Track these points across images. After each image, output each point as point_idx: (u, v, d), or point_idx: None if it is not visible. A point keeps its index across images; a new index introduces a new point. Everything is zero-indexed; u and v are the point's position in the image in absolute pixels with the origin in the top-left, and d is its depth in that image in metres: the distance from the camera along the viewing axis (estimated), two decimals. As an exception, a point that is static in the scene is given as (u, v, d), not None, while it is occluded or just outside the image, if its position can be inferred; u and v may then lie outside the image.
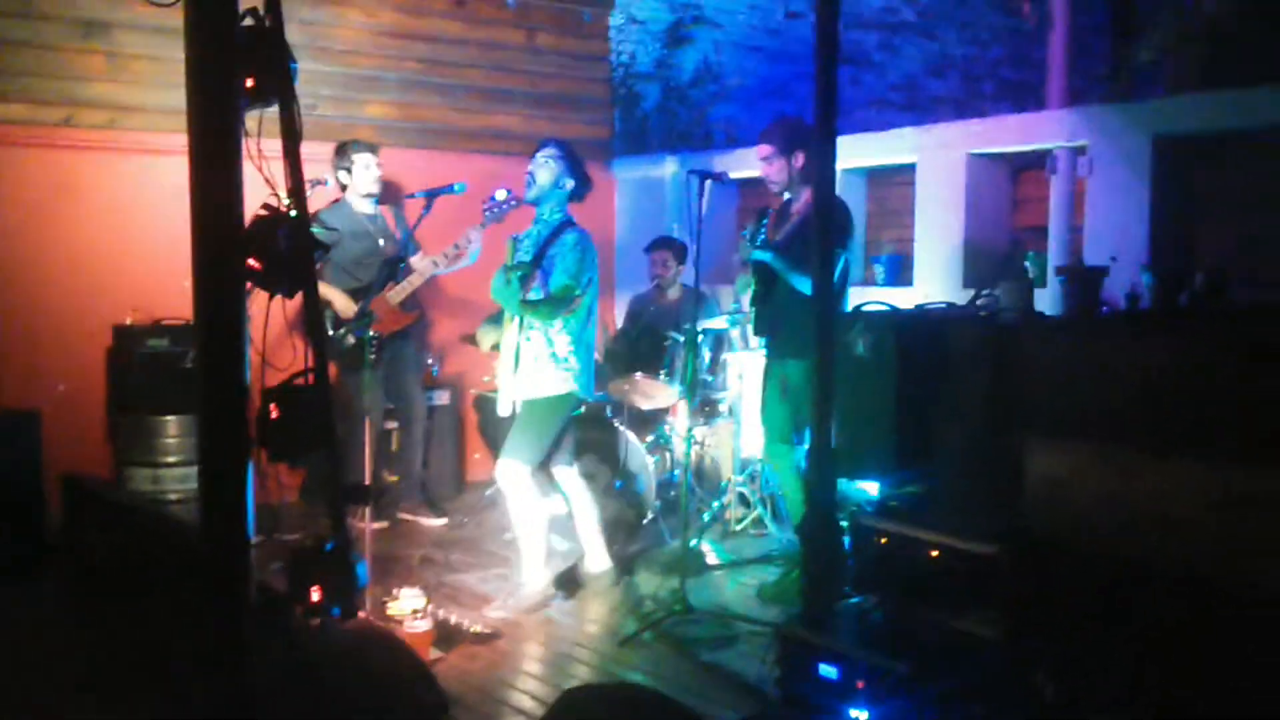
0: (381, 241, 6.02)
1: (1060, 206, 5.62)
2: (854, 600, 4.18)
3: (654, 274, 6.63)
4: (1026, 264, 5.71)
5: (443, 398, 6.77)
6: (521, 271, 4.80)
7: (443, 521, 6.25)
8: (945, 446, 4.22)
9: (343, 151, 6.04)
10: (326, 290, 5.72)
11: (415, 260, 5.91)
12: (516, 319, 4.87)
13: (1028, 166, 6.09)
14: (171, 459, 5.64)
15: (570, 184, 4.92)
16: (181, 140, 2.75)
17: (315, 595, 2.95)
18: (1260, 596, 3.21)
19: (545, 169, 4.86)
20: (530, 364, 4.85)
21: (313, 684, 3.00)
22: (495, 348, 5.34)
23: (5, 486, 5.06)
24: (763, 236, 4.83)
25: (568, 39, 7.77)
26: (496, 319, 5.16)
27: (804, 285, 4.57)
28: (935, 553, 3.90)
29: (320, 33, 6.72)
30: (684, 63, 8.26)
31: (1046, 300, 5.17)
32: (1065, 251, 5.57)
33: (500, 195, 5.11)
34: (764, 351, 5.13)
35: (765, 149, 4.96)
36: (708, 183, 4.85)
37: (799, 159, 4.88)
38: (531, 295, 4.82)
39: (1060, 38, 6.87)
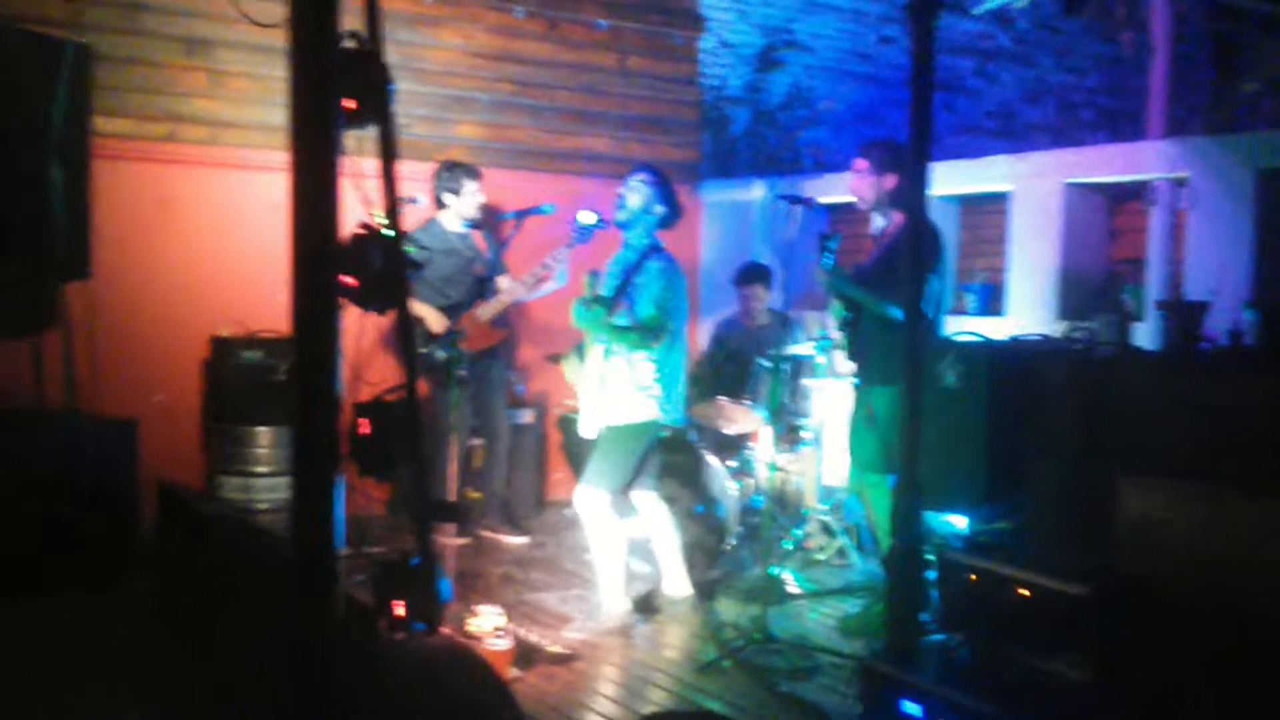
0: (472, 259, 6.08)
1: (1160, 239, 5.50)
2: (939, 637, 4.11)
3: (745, 308, 6.58)
4: (1124, 296, 5.59)
5: (527, 416, 6.80)
6: (601, 308, 4.80)
7: (524, 540, 6.27)
8: (1036, 482, 4.14)
9: (451, 173, 6.10)
10: (418, 307, 5.79)
11: (503, 279, 5.95)
12: (600, 345, 4.88)
13: (1126, 198, 5.97)
14: (262, 469, 5.75)
15: (660, 210, 4.92)
16: (278, 156, 2.81)
17: (399, 610, 2.98)
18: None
19: (636, 193, 4.88)
20: (613, 389, 4.85)
21: (394, 699, 3.01)
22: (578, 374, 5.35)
23: (102, 494, 5.17)
24: (831, 261, 4.74)
25: (658, 62, 7.80)
26: (581, 349, 5.18)
27: (884, 310, 4.52)
28: (1024, 591, 3.82)
29: (415, 53, 6.83)
30: (774, 87, 8.25)
31: (1144, 335, 5.06)
32: (1164, 285, 5.45)
33: (586, 218, 5.11)
34: (854, 378, 5.07)
35: (861, 163, 4.91)
36: (797, 208, 4.82)
37: (890, 180, 4.82)
38: (619, 320, 4.83)
39: (1161, 67, 6.75)
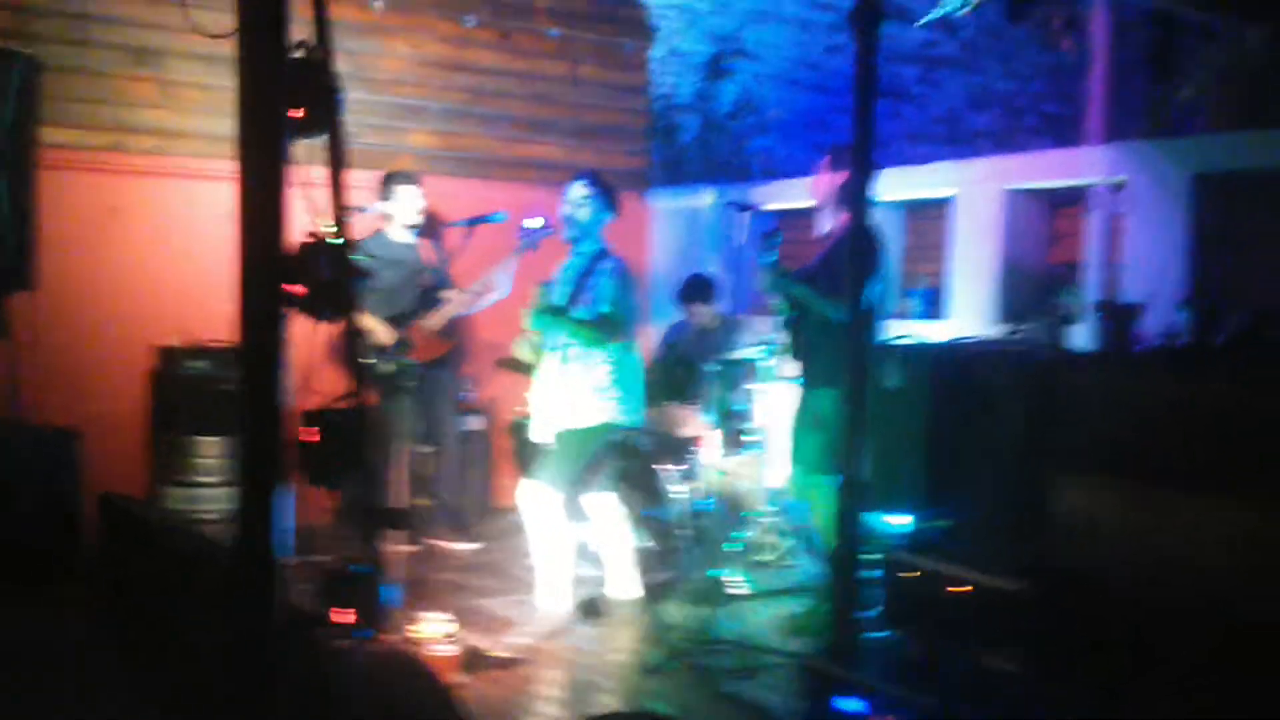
0: (418, 270, 6.09)
1: (1098, 242, 5.61)
2: (882, 634, 4.17)
3: (690, 323, 6.63)
4: (1062, 299, 5.70)
5: (476, 423, 6.81)
6: (552, 315, 4.84)
7: (472, 547, 6.28)
8: (976, 481, 4.22)
9: (386, 182, 6.13)
10: (366, 318, 5.79)
11: (449, 291, 5.96)
12: (555, 351, 4.91)
13: (1066, 202, 6.09)
14: (209, 479, 5.71)
15: (608, 217, 4.98)
16: (227, 166, 2.82)
17: (343, 617, 3.00)
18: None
19: (585, 208, 4.92)
20: (569, 392, 4.89)
21: (338, 705, 3.03)
22: (530, 368, 5.37)
23: (44, 504, 5.14)
24: (774, 257, 4.79)
25: (609, 71, 7.84)
26: (536, 342, 5.20)
27: (824, 309, 4.57)
28: (964, 588, 3.89)
29: (365, 63, 6.83)
30: (723, 95, 8.32)
31: (1083, 336, 5.16)
32: (1102, 288, 5.55)
33: (533, 223, 5.17)
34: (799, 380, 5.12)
35: (826, 159, 4.97)
36: (745, 214, 4.88)
37: (841, 176, 4.89)
38: (579, 314, 4.86)
39: (1100, 73, 6.88)
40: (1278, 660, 3.22)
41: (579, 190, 4.94)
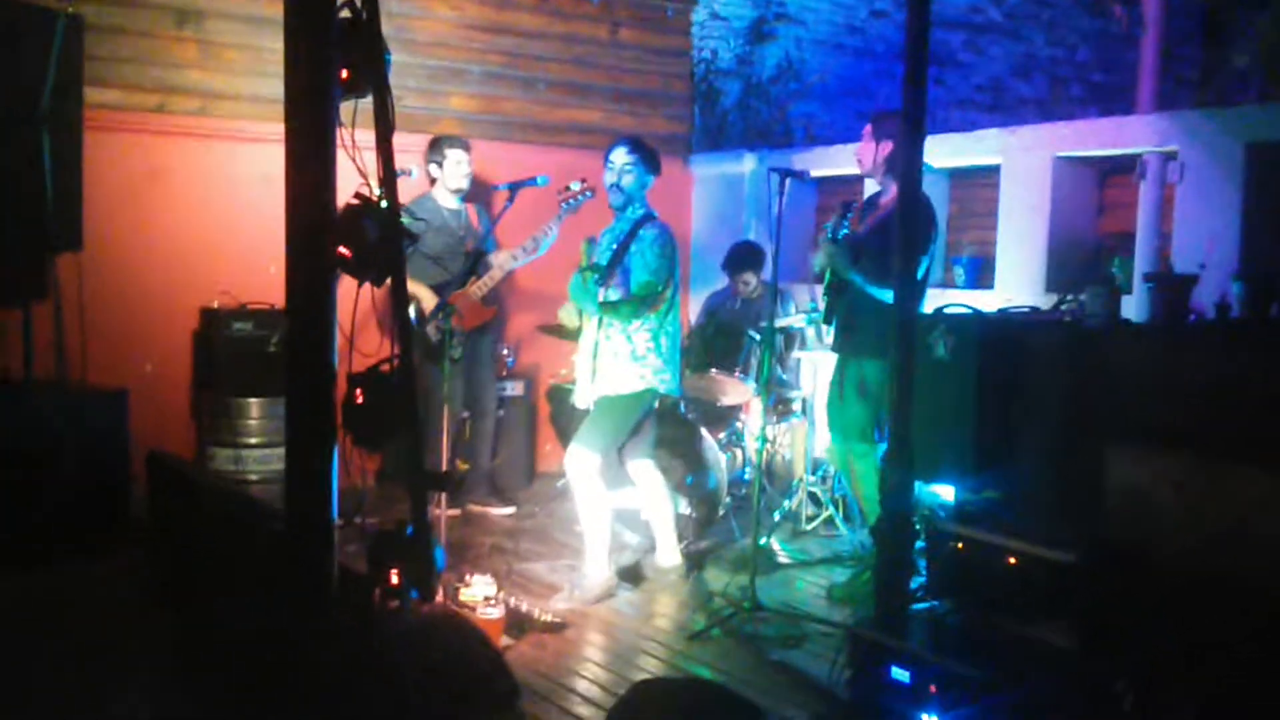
0: (464, 236, 6.09)
1: (1149, 212, 5.53)
2: (927, 604, 4.15)
3: (736, 292, 6.59)
4: (1113, 270, 5.62)
5: (517, 388, 6.83)
6: (598, 275, 4.83)
7: (511, 510, 6.30)
8: (1025, 452, 4.18)
9: (435, 146, 6.12)
10: (410, 284, 5.79)
11: (494, 256, 5.95)
12: (596, 317, 4.90)
13: (1115, 171, 5.99)
14: (253, 440, 5.76)
15: (650, 181, 4.95)
16: (270, 128, 2.81)
17: (394, 578, 3.01)
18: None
19: (630, 175, 4.89)
20: (609, 361, 4.88)
21: (390, 666, 3.05)
22: (574, 333, 5.37)
23: (93, 463, 5.19)
24: (845, 230, 4.79)
25: (650, 34, 7.78)
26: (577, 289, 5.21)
27: (883, 295, 4.53)
28: (1012, 559, 3.86)
29: (406, 25, 6.81)
30: (765, 59, 8.24)
31: (1133, 307, 5.09)
32: (1153, 258, 5.47)
33: (575, 186, 5.18)
34: (835, 347, 5.08)
35: (867, 129, 4.96)
36: (787, 181, 4.83)
37: (886, 147, 4.84)
38: (610, 295, 4.85)
39: (1152, 42, 6.78)
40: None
41: (621, 156, 4.90)
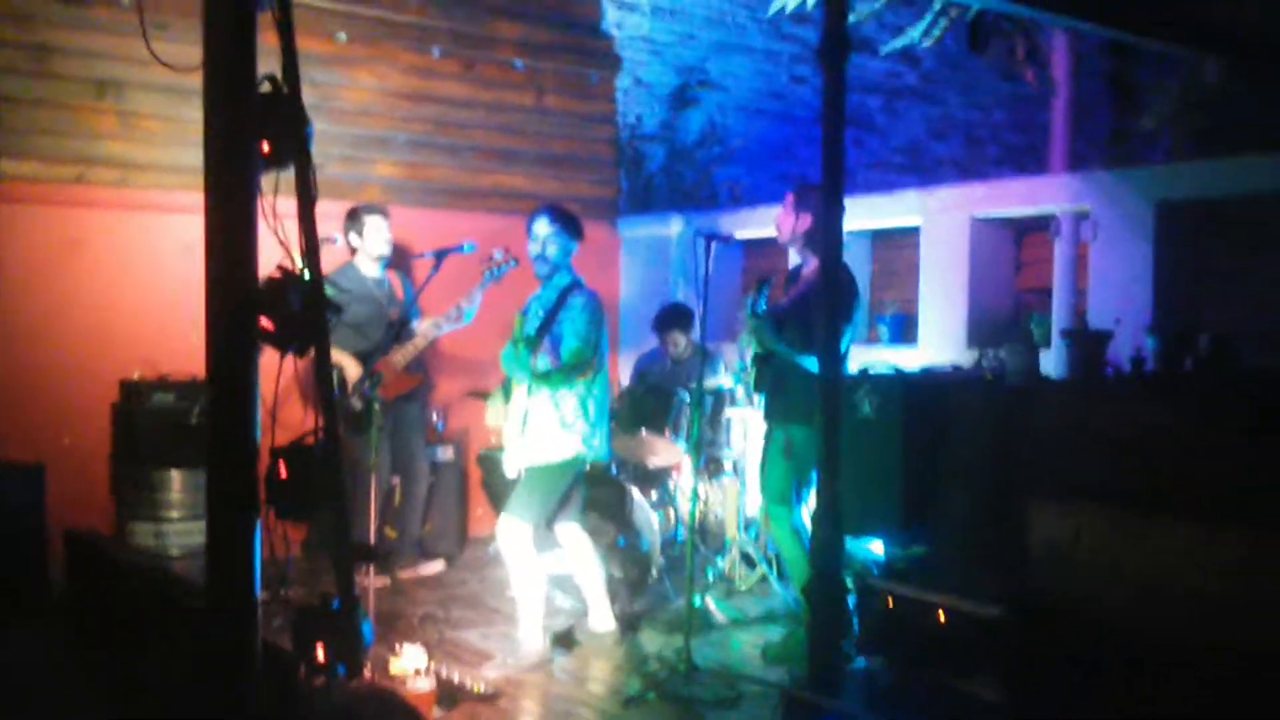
0: (388, 304, 6.06)
1: (1064, 270, 5.67)
2: (860, 662, 4.17)
3: (666, 352, 6.63)
4: (1031, 326, 5.75)
5: (447, 453, 6.77)
6: (529, 344, 4.84)
7: (440, 566, 6.27)
8: (951, 507, 4.24)
9: (354, 215, 6.10)
10: (335, 353, 5.75)
11: (419, 324, 5.93)
12: (523, 384, 4.90)
13: (1031, 230, 6.14)
14: (174, 514, 5.64)
15: (574, 247, 4.97)
16: (190, 198, 2.78)
17: (320, 655, 2.95)
18: (1268, 661, 3.20)
19: (553, 245, 4.90)
20: (537, 428, 4.86)
21: (317, 744, 2.98)
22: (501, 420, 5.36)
23: (9, 540, 5.05)
24: (764, 305, 4.80)
25: (575, 101, 7.86)
26: (506, 390, 5.20)
27: (809, 364, 4.57)
28: (941, 615, 3.90)
29: (331, 93, 6.81)
30: (689, 124, 8.36)
31: (1051, 363, 5.20)
32: (1069, 314, 5.61)
33: (498, 255, 5.22)
34: (765, 414, 5.11)
35: (789, 199, 4.99)
36: (713, 244, 4.87)
37: (805, 221, 4.89)
38: (540, 363, 4.85)
39: (1063, 103, 6.99)
40: (1248, 685, 3.23)
41: (543, 227, 4.91)
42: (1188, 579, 3.43)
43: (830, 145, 3.91)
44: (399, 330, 5.74)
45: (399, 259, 6.33)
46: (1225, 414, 3.64)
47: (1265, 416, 3.49)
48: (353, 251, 6.12)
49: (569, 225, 4.95)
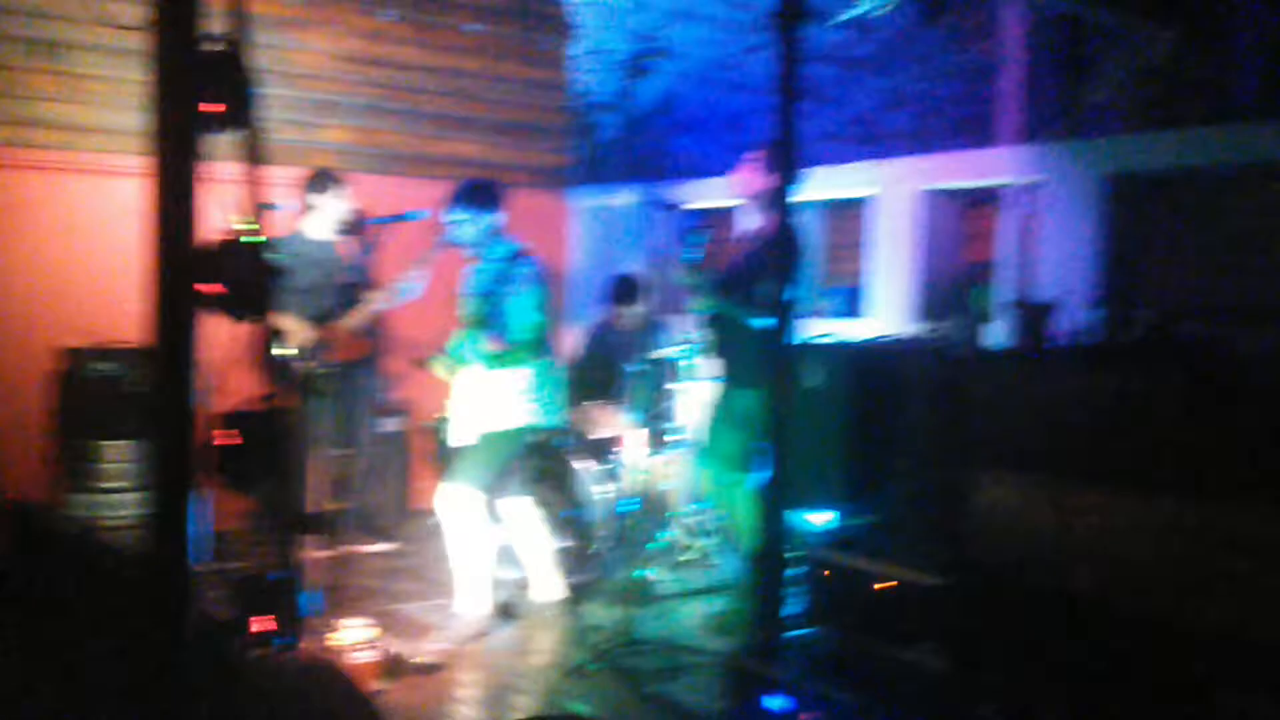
0: (335, 269, 5.98)
1: (1010, 242, 5.70)
2: (803, 631, 4.20)
3: (615, 323, 6.60)
4: (972, 299, 5.78)
5: (392, 425, 6.73)
6: (479, 328, 4.80)
7: (386, 547, 6.21)
8: (895, 478, 4.26)
9: (317, 180, 5.99)
10: (282, 318, 5.67)
11: (368, 292, 5.87)
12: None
13: (980, 202, 6.17)
14: (113, 484, 5.55)
15: (492, 216, 4.90)
16: (134, 161, 2.73)
17: (259, 625, 2.92)
18: (1203, 630, 3.26)
19: (469, 227, 4.85)
20: (490, 396, 4.84)
21: (254, 717, 2.96)
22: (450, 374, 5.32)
23: (-55, 510, 4.96)
24: (698, 255, 4.76)
25: (529, 68, 7.79)
26: (456, 349, 5.16)
27: (741, 317, 4.56)
28: (883, 584, 3.93)
29: (282, 57, 6.71)
30: (643, 93, 8.31)
31: (997, 335, 5.24)
32: (1016, 286, 5.65)
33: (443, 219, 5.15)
34: (717, 377, 5.12)
35: (760, 154, 4.94)
36: (666, 213, 4.86)
37: (775, 179, 4.85)
38: (491, 347, 4.81)
39: (1014, 75, 7.01)
40: (1190, 653, 3.29)
41: (451, 215, 4.86)
42: (1124, 546, 3.48)
43: (783, 113, 3.89)
44: (347, 296, 5.68)
45: (351, 225, 6.24)
46: (1160, 385, 3.68)
47: (1199, 386, 3.53)
48: (304, 217, 6.03)
49: (475, 199, 4.87)
